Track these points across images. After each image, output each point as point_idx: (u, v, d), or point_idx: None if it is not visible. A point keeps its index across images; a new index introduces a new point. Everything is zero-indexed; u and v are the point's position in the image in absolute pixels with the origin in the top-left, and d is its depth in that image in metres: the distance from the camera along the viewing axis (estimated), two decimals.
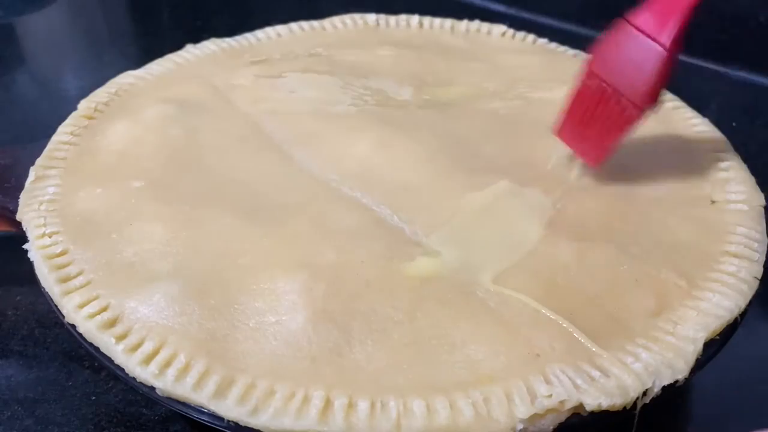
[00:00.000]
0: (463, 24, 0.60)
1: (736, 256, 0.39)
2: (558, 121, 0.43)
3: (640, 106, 0.40)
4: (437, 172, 0.43)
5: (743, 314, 0.37)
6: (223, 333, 0.35)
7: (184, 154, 0.45)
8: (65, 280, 0.38)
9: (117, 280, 0.37)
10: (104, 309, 0.36)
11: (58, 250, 0.39)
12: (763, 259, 0.39)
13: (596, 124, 0.41)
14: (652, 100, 0.40)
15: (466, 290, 0.36)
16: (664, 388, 0.33)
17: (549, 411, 0.32)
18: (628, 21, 0.40)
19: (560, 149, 0.43)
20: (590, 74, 0.41)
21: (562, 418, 0.32)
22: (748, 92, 0.68)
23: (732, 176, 0.44)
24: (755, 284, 0.38)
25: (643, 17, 0.39)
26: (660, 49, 0.39)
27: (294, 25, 0.59)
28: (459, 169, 0.43)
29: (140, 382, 0.34)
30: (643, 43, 0.39)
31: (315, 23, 0.60)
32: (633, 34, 0.40)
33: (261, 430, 0.32)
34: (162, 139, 0.46)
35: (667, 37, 0.39)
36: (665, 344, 0.34)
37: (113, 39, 0.81)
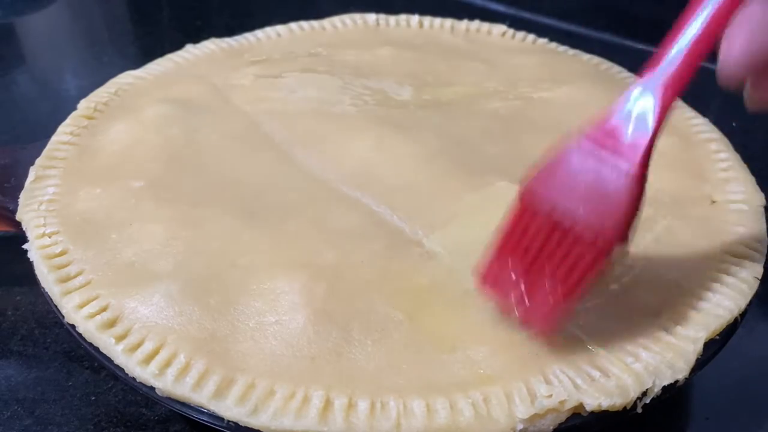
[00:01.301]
0: (463, 24, 0.60)
1: (736, 256, 0.39)
2: (481, 268, 0.34)
3: (609, 245, 0.31)
4: (437, 172, 0.43)
5: (743, 314, 0.37)
6: (223, 333, 0.35)
7: (184, 153, 0.45)
8: (65, 280, 0.38)
9: (117, 280, 0.37)
10: (104, 309, 0.36)
11: (58, 250, 0.39)
12: (763, 259, 0.39)
13: (543, 274, 0.32)
14: (624, 236, 0.31)
15: (466, 290, 0.36)
16: (664, 388, 0.33)
17: (549, 411, 0.32)
18: (583, 137, 0.32)
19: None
20: (531, 206, 0.32)
21: (562, 418, 0.32)
22: None
23: (732, 176, 0.44)
24: (755, 284, 0.38)
25: (600, 132, 0.32)
26: (631, 170, 0.31)
27: (294, 25, 0.59)
28: (459, 169, 0.43)
29: (140, 382, 0.34)
30: (607, 163, 0.31)
31: (315, 23, 0.59)
32: (592, 154, 0.31)
33: (261, 430, 0.32)
34: (162, 139, 0.46)
35: (637, 154, 0.31)
36: (665, 344, 0.34)
37: (113, 39, 0.81)
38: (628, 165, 0.31)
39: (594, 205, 0.31)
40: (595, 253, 0.31)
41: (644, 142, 0.31)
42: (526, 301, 0.33)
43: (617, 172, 0.31)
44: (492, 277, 0.34)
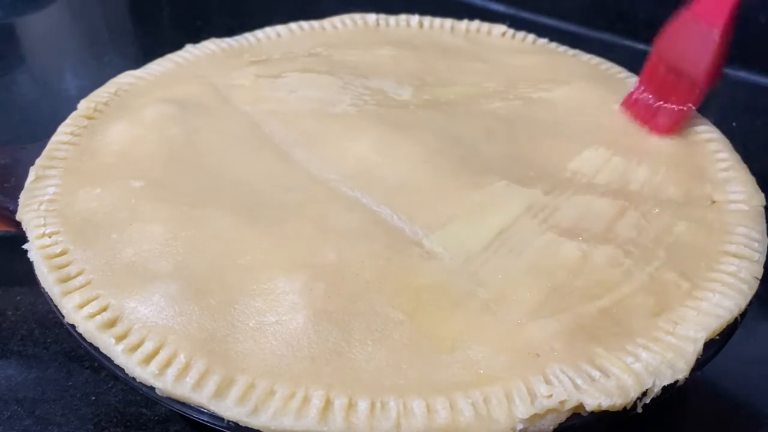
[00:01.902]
0: (463, 24, 0.60)
1: (736, 256, 0.39)
2: (627, 97, 0.48)
3: (703, 84, 0.45)
4: (437, 172, 0.43)
5: (743, 314, 0.37)
6: (223, 333, 0.35)
7: (184, 153, 0.45)
8: (65, 280, 0.38)
9: (117, 280, 0.37)
10: (104, 309, 0.36)
11: (58, 250, 0.39)
12: (763, 259, 0.39)
13: (665, 102, 0.47)
14: (713, 78, 0.45)
15: (467, 290, 0.36)
16: (664, 388, 0.33)
17: (549, 411, 0.32)
18: (687, 9, 0.45)
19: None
20: (657, 58, 0.47)
21: (562, 418, 0.32)
22: (748, 92, 0.68)
23: (732, 176, 0.44)
24: (755, 284, 0.38)
25: (699, 6, 0.45)
26: (716, 32, 0.44)
27: (294, 25, 0.59)
28: (459, 169, 0.43)
29: (140, 382, 0.34)
30: (701, 28, 0.44)
31: (315, 23, 0.59)
32: (692, 21, 0.45)
33: (261, 430, 0.32)
34: (162, 139, 0.46)
35: (720, 22, 0.44)
36: (665, 344, 0.34)
37: (113, 39, 0.81)
38: (715, 31, 0.44)
39: (695, 58, 0.45)
40: (697, 88, 0.45)
41: (725, 15, 0.44)
42: (656, 117, 0.47)
43: (708, 36, 0.44)
44: (634, 103, 0.48)
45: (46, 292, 0.38)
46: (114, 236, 0.39)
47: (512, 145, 0.46)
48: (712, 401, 0.43)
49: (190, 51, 0.56)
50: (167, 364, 0.34)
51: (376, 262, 0.37)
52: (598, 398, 0.32)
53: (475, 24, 0.60)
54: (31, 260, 0.39)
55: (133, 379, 0.34)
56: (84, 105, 0.50)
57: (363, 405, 0.32)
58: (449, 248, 0.38)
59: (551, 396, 0.32)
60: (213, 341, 0.34)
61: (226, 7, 0.83)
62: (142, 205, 0.41)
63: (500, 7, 0.79)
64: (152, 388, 0.33)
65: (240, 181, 0.43)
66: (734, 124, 0.55)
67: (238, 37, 0.58)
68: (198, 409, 0.33)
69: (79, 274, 0.38)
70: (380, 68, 0.53)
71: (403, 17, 0.60)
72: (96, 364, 0.43)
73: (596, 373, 0.33)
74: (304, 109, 0.49)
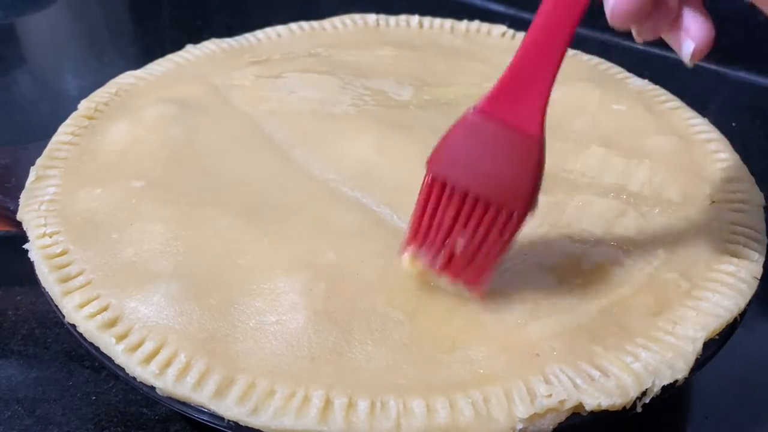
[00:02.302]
0: (463, 24, 0.60)
1: (735, 256, 0.39)
2: (404, 244, 0.36)
3: (523, 213, 0.33)
4: None
5: (743, 314, 0.37)
6: (223, 333, 0.35)
7: (185, 154, 0.45)
8: (65, 280, 0.38)
9: (117, 280, 0.37)
10: (104, 309, 0.36)
11: (59, 250, 0.39)
12: (763, 259, 0.39)
13: (465, 244, 0.34)
14: (533, 203, 0.33)
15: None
16: (663, 388, 0.33)
17: (549, 411, 0.32)
18: (479, 111, 0.33)
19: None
20: (440, 183, 0.33)
21: (562, 418, 0.32)
22: (748, 92, 0.68)
23: (732, 176, 0.44)
24: (755, 284, 0.38)
25: (497, 104, 0.33)
26: (533, 138, 0.32)
27: (294, 26, 0.59)
28: None
29: (140, 382, 0.34)
30: (508, 136, 0.32)
31: (315, 23, 0.60)
32: (492, 127, 0.32)
33: (261, 429, 0.32)
34: (162, 139, 0.46)
35: (536, 123, 0.32)
36: (665, 344, 0.34)
37: (113, 39, 0.81)
38: (529, 132, 0.32)
39: (506, 179, 0.32)
40: (507, 218, 0.33)
41: (539, 105, 0.32)
42: (451, 266, 0.34)
43: (523, 145, 0.32)
44: (417, 246, 0.35)
45: (47, 292, 0.38)
46: (114, 236, 0.39)
47: None
48: (712, 401, 0.43)
49: (190, 51, 0.56)
50: (168, 363, 0.34)
51: (376, 262, 0.37)
52: (597, 398, 0.32)
53: (475, 24, 0.60)
54: (31, 260, 0.39)
55: (134, 378, 0.34)
56: (85, 105, 0.50)
57: (363, 405, 0.32)
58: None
59: (551, 395, 0.32)
60: (213, 341, 0.34)
61: (227, 8, 0.83)
62: (143, 205, 0.41)
63: (500, 8, 0.79)
64: (153, 388, 0.33)
65: (240, 181, 0.43)
66: (734, 124, 0.55)
67: (238, 38, 0.58)
68: (198, 409, 0.33)
69: (79, 273, 0.38)
70: (380, 68, 0.53)
71: (403, 18, 0.60)
72: (96, 364, 0.43)
73: (596, 373, 0.33)
74: (305, 109, 0.49)
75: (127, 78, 0.53)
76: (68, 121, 0.48)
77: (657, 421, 0.41)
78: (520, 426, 0.31)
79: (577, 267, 0.37)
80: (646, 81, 0.53)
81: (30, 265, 0.39)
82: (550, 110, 0.50)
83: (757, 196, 0.43)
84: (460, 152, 0.33)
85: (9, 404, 0.42)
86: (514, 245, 0.34)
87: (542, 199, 0.41)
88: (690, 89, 0.52)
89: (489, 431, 0.31)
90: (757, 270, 0.38)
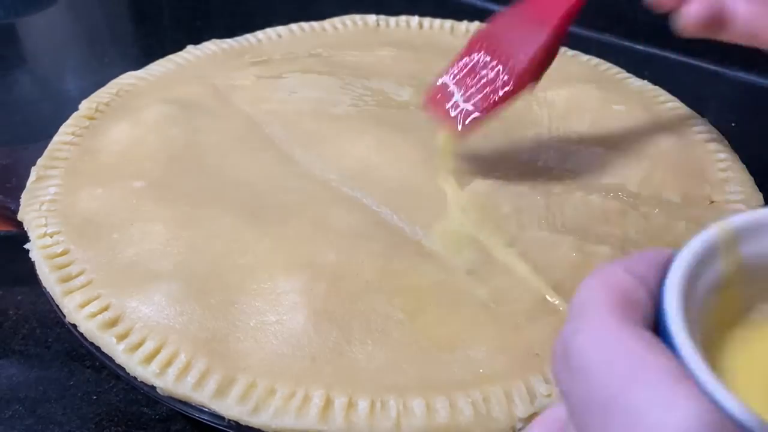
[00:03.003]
0: (463, 24, 0.60)
1: None
2: (431, 88, 0.43)
3: (519, 80, 0.40)
4: (437, 173, 0.43)
5: None
6: (223, 332, 0.35)
7: (185, 154, 0.45)
8: (66, 279, 0.38)
9: (118, 279, 0.37)
10: (105, 309, 0.36)
11: (59, 250, 0.39)
12: None
13: (472, 94, 0.41)
14: (530, 76, 0.41)
15: (466, 289, 0.36)
16: None
17: None
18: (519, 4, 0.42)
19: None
20: (475, 44, 0.42)
21: None
22: (747, 92, 0.68)
23: (731, 176, 0.44)
24: None
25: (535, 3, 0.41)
26: (544, 29, 0.40)
27: (294, 26, 0.59)
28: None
29: (141, 382, 0.34)
30: (530, 22, 0.41)
31: (315, 24, 0.60)
32: (523, 14, 0.42)
33: (261, 429, 0.32)
34: (163, 139, 0.46)
35: (551, 19, 0.40)
36: None
37: (114, 40, 0.81)
38: (544, 28, 0.40)
39: (516, 51, 0.41)
40: (511, 83, 0.40)
41: (558, 14, 0.40)
42: (455, 109, 0.41)
43: (536, 31, 0.41)
44: (436, 96, 0.43)
45: (48, 292, 0.38)
46: (115, 236, 0.40)
47: (512, 145, 0.46)
48: None
49: (191, 52, 0.56)
50: (168, 363, 0.34)
51: (376, 262, 0.37)
52: None
53: (475, 25, 0.60)
54: (32, 260, 0.39)
55: (135, 378, 0.34)
56: (85, 105, 0.50)
57: (363, 404, 0.32)
58: (449, 248, 0.38)
59: (551, 395, 0.32)
60: (214, 340, 0.34)
61: (227, 8, 0.83)
62: (144, 205, 0.41)
63: (500, 8, 0.79)
64: (153, 388, 0.34)
65: (241, 182, 0.43)
66: (733, 124, 0.55)
67: (238, 38, 0.58)
68: (199, 408, 0.33)
69: (80, 273, 0.38)
70: (380, 69, 0.53)
71: (403, 18, 0.60)
72: (97, 364, 0.43)
73: None
74: (305, 109, 0.49)
75: (128, 78, 0.53)
76: (69, 121, 0.48)
77: None
78: (520, 425, 0.31)
79: (577, 266, 0.37)
80: (645, 81, 0.53)
81: (31, 265, 0.39)
82: (549, 109, 0.50)
83: (756, 196, 0.43)
84: (498, 29, 0.43)
85: (10, 404, 0.42)
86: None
87: (542, 199, 0.42)
88: (689, 89, 0.52)
89: (489, 431, 0.31)
90: None
